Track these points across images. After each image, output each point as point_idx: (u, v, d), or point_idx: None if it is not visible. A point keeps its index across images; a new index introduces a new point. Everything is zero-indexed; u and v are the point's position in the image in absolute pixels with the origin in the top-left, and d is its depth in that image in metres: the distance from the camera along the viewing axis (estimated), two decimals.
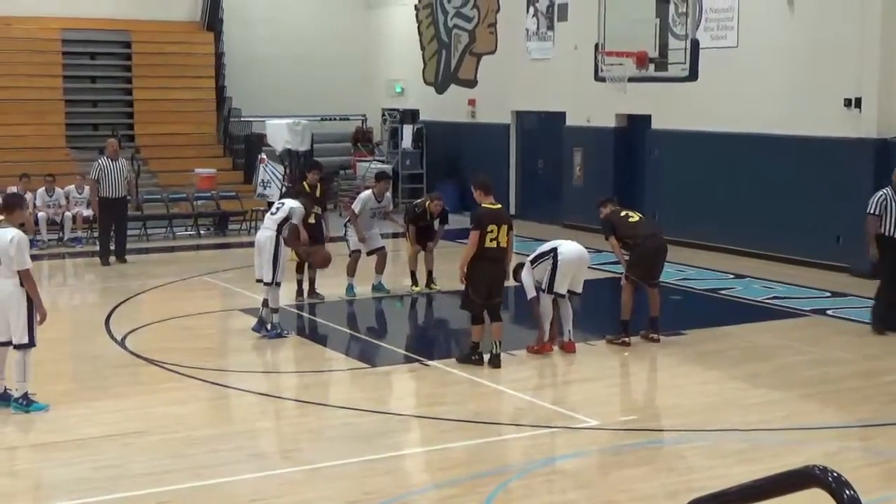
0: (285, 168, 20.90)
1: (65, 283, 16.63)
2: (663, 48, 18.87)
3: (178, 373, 10.30)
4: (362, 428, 8.64)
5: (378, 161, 24.02)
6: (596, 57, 20.02)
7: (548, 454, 8.32)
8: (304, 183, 14.06)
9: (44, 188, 18.97)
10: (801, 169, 16.30)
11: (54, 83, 22.80)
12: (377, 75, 26.79)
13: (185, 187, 21.04)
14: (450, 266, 13.98)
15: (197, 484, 7.32)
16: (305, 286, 13.77)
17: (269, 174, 20.10)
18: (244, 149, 23.42)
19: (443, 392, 9.82)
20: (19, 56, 22.32)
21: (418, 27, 25.59)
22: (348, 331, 13.03)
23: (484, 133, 23.35)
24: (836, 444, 8.29)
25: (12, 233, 8.78)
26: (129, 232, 17.85)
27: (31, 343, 8.83)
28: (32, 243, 9.78)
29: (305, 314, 13.28)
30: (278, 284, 11.76)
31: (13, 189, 16.52)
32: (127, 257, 17.15)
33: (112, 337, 11.95)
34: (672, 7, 18.53)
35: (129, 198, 17.46)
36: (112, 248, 17.03)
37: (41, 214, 18.54)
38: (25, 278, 8.75)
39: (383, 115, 25.88)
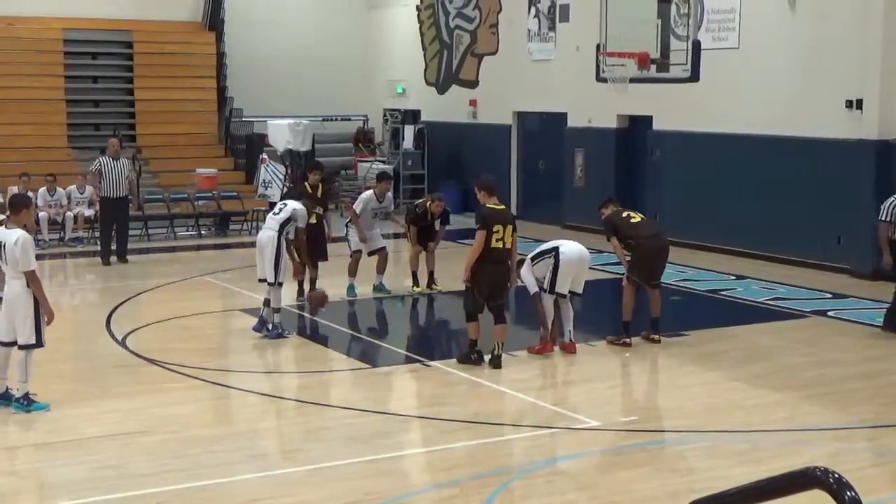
0: (286, 168, 20.94)
1: (66, 282, 16.63)
2: (665, 49, 18.87)
3: (179, 373, 10.30)
4: (363, 428, 8.63)
5: (379, 161, 24.02)
6: (597, 58, 20.02)
7: (549, 455, 8.32)
8: (306, 183, 14.06)
9: (45, 188, 18.98)
10: (802, 170, 16.30)
11: (56, 83, 22.82)
12: (378, 76, 26.80)
13: (187, 187, 21.05)
14: (451, 266, 14.01)
15: (197, 484, 7.32)
16: (306, 286, 13.77)
17: (271, 174, 20.14)
18: (245, 149, 23.43)
19: (444, 392, 9.82)
20: (21, 56, 22.34)
21: (420, 28, 25.59)
22: (349, 331, 13.03)
23: (485, 134, 23.35)
24: (837, 446, 8.29)
25: (17, 234, 8.79)
26: (131, 232, 17.85)
27: (39, 343, 8.84)
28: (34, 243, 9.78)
29: (306, 314, 13.28)
30: (280, 284, 11.76)
31: (14, 189, 16.57)
32: (128, 257, 17.17)
33: (113, 337, 11.96)
34: (673, 8, 18.54)
35: (130, 197, 17.47)
36: (113, 247, 17.04)
37: (42, 214, 18.54)
38: (31, 279, 8.75)
39: (385, 115, 25.89)
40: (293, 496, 7.17)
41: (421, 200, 15.23)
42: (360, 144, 25.39)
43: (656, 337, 11.48)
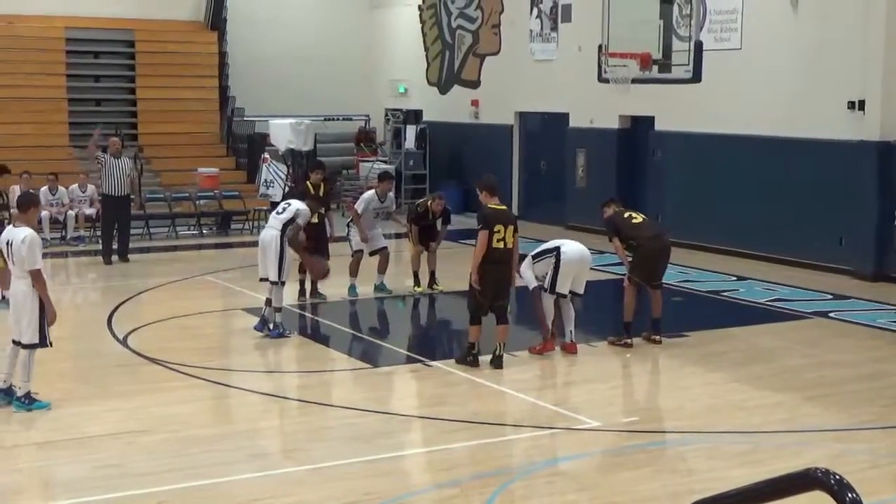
0: (288, 168, 20.93)
1: (67, 281, 16.63)
2: (667, 50, 18.95)
3: (180, 372, 10.30)
4: (364, 428, 8.63)
5: (381, 161, 24.03)
6: (599, 58, 20.10)
7: (549, 455, 8.32)
8: (308, 183, 14.06)
9: (47, 187, 18.98)
10: (804, 171, 16.29)
11: (58, 82, 22.85)
12: (380, 75, 26.80)
13: (188, 187, 21.06)
14: (452, 266, 14.02)
15: (198, 483, 7.32)
16: (308, 286, 13.78)
17: (272, 174, 20.14)
18: (247, 148, 23.43)
19: (444, 392, 9.82)
20: (23, 54, 22.37)
21: (422, 28, 25.59)
22: (350, 331, 13.03)
23: (487, 134, 23.35)
24: (838, 447, 8.29)
25: (25, 232, 8.81)
26: (132, 231, 17.86)
27: (43, 343, 8.85)
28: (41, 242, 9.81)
29: (308, 314, 13.28)
30: (283, 283, 11.76)
31: (16, 188, 16.59)
32: (129, 256, 17.17)
33: (114, 336, 11.97)
34: (676, 9, 18.57)
35: (132, 196, 17.48)
36: (115, 246, 17.05)
37: (44, 213, 18.52)
38: (35, 278, 8.75)
39: (386, 115, 25.89)
40: (293, 496, 7.17)
41: (422, 200, 15.24)
42: (361, 144, 25.40)
43: (657, 338, 11.47)
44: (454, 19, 24.53)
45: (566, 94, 20.94)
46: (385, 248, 14.24)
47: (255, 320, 12.03)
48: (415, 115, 25.21)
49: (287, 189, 19.00)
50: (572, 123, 21.04)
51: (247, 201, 20.87)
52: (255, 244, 12.69)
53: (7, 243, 8.90)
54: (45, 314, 8.83)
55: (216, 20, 24.96)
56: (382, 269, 14.20)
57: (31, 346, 8.82)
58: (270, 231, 11.95)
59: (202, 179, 21.26)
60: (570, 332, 11.02)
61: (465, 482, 7.41)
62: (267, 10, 25.94)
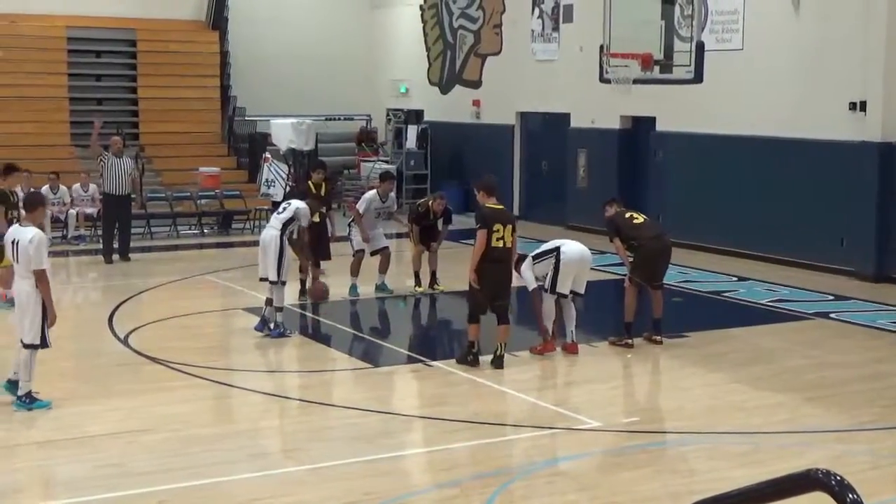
0: (289, 167, 20.93)
1: (68, 280, 16.62)
2: (668, 50, 18.96)
3: (181, 371, 10.31)
4: (364, 428, 8.63)
5: (382, 161, 24.04)
6: (601, 58, 20.11)
7: (549, 455, 8.32)
8: (309, 182, 14.07)
9: (48, 185, 18.99)
10: (806, 172, 16.29)
11: (59, 81, 22.85)
12: (382, 75, 26.81)
13: (189, 186, 21.07)
14: (453, 266, 14.01)
15: (198, 483, 7.32)
16: (309, 286, 13.77)
17: (274, 173, 20.13)
18: (248, 148, 23.44)
19: (445, 392, 9.81)
20: (24, 54, 22.38)
21: (423, 27, 25.59)
22: (351, 331, 13.02)
23: (488, 134, 23.35)
24: (839, 448, 8.29)
25: (33, 232, 8.81)
26: (133, 230, 17.87)
27: (44, 344, 8.84)
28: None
29: (309, 313, 13.28)
30: (283, 283, 11.76)
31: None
32: (130, 255, 17.18)
33: (115, 335, 11.97)
34: (677, 9, 18.57)
35: (133, 196, 17.49)
36: (115, 246, 17.06)
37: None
38: (39, 278, 8.74)
39: (388, 115, 25.91)
40: (294, 495, 7.17)
41: (423, 200, 15.25)
42: (363, 144, 25.42)
43: (658, 338, 11.47)
44: (456, 19, 24.53)
45: (567, 94, 20.94)
46: (386, 247, 14.24)
47: (256, 320, 12.03)
48: (416, 115, 25.22)
49: (288, 189, 19.00)
50: (573, 124, 21.04)
51: (248, 201, 20.88)
52: (256, 244, 12.69)
53: (13, 242, 8.89)
54: (46, 315, 8.83)
55: (218, 19, 24.97)
56: (383, 268, 14.20)
57: (32, 347, 8.82)
58: (270, 231, 11.95)
59: (203, 179, 21.27)
60: (571, 332, 11.01)
61: (466, 482, 7.41)
62: (268, 10, 25.94)
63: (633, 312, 11.36)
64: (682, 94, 18.47)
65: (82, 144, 22.21)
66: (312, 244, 12.95)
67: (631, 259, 11.48)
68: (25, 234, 8.79)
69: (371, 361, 11.11)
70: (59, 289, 14.94)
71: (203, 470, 7.56)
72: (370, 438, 8.32)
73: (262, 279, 12.01)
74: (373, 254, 14.09)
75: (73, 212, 19.05)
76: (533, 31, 22.09)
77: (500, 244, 10.30)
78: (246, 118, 24.56)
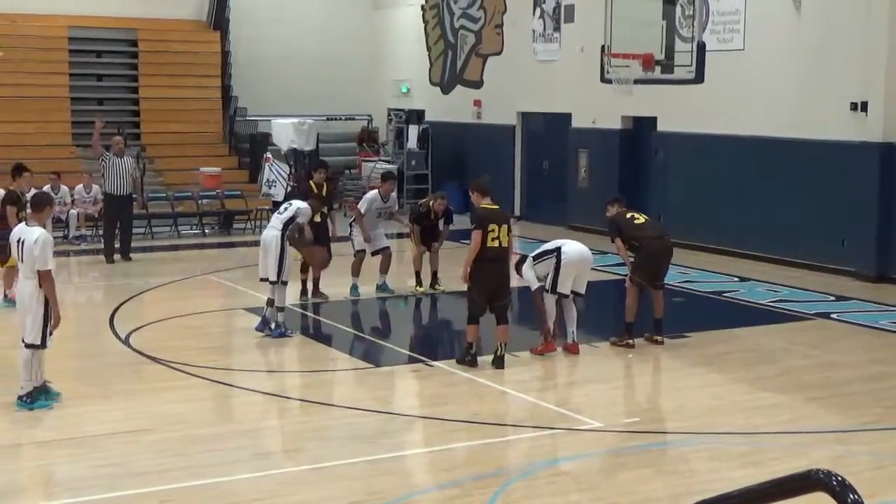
0: (290, 167, 20.95)
1: (69, 280, 16.61)
2: (669, 50, 18.96)
3: (182, 371, 10.31)
4: (365, 428, 8.63)
5: (383, 161, 24.03)
6: (602, 59, 20.11)
7: (550, 456, 8.31)
8: (311, 182, 14.07)
9: (49, 186, 18.98)
10: (807, 172, 16.28)
11: (60, 81, 22.85)
12: (383, 75, 26.81)
13: (191, 186, 21.07)
14: (454, 267, 13.98)
15: (199, 482, 7.32)
16: (310, 286, 13.78)
17: (275, 173, 20.15)
18: (249, 148, 23.45)
19: (446, 392, 9.81)
20: (25, 54, 22.38)
21: (425, 27, 25.59)
22: (352, 331, 13.02)
23: (489, 134, 23.36)
24: (840, 448, 8.28)
25: (38, 232, 8.81)
26: (134, 230, 17.88)
27: (44, 345, 8.84)
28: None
29: (310, 314, 13.28)
30: (284, 283, 11.76)
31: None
32: (132, 255, 17.19)
33: (116, 335, 11.97)
34: (678, 9, 18.57)
35: (134, 196, 17.50)
36: (117, 245, 17.07)
37: None
38: (44, 278, 8.73)
39: (389, 115, 25.91)
40: (294, 495, 7.17)
41: (424, 200, 15.25)
42: (364, 144, 25.41)
43: (659, 338, 11.47)
44: (457, 19, 24.53)
45: (568, 94, 20.94)
46: (387, 248, 14.24)
47: (257, 320, 12.03)
48: (417, 115, 25.21)
49: (289, 189, 19.01)
50: (574, 124, 21.04)
51: (249, 201, 20.89)
52: (257, 244, 12.69)
53: (18, 241, 8.89)
54: (50, 316, 8.82)
55: (219, 20, 24.97)
56: (384, 269, 14.20)
57: (34, 347, 8.82)
58: (272, 231, 11.95)
59: (204, 179, 21.28)
60: (572, 332, 11.01)
61: (467, 482, 7.40)
62: (270, 10, 25.94)
63: (634, 313, 11.36)
64: (683, 95, 18.47)
65: (83, 144, 22.22)
66: (311, 244, 12.93)
67: (632, 259, 11.48)
68: (31, 234, 8.79)
69: (372, 361, 11.11)
70: (60, 289, 14.89)
71: (204, 470, 7.56)
72: (371, 438, 8.32)
73: (262, 279, 12.01)
74: (374, 254, 14.10)
75: (74, 212, 19.05)
76: (534, 31, 22.10)
77: (496, 244, 10.30)
78: (247, 118, 24.56)
